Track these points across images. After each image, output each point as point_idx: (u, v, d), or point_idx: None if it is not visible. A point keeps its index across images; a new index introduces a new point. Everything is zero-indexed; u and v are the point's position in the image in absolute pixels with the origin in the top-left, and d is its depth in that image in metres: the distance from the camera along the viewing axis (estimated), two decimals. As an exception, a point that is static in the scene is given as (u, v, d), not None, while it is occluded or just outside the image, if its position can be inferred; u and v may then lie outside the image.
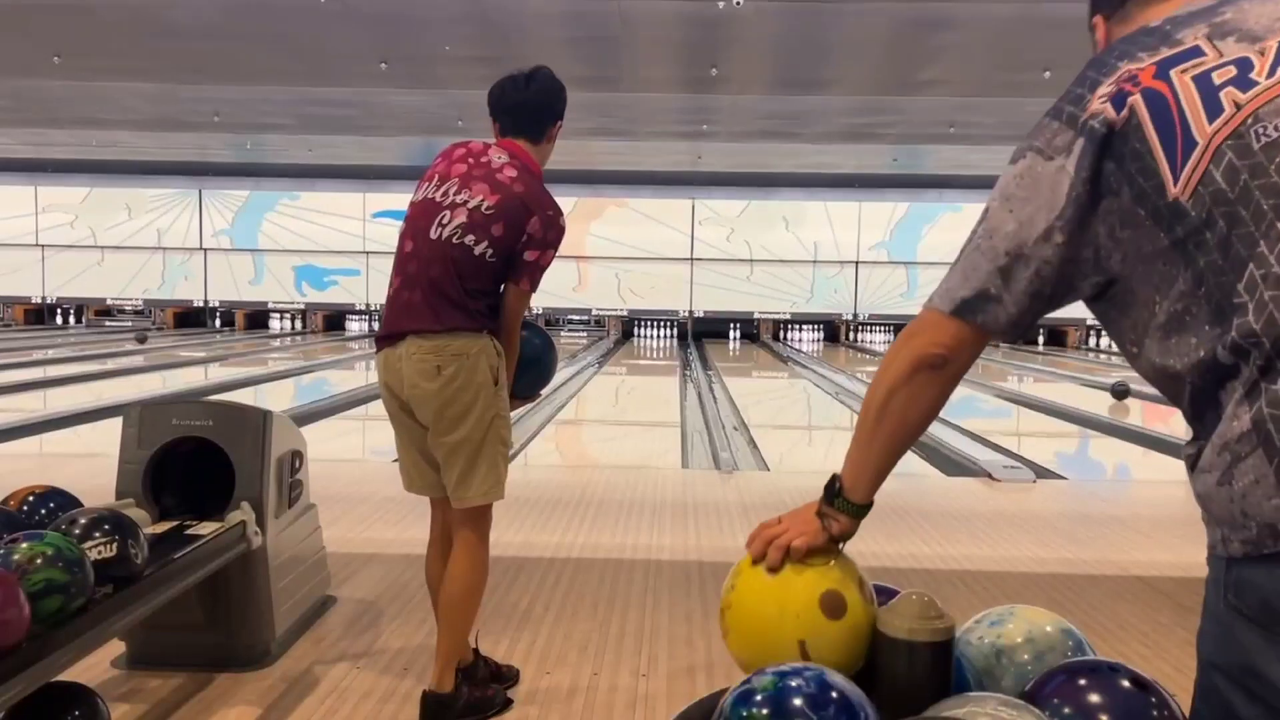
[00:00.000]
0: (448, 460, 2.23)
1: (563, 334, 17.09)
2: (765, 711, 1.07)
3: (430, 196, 2.24)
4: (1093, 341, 17.47)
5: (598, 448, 6.51)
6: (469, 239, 2.17)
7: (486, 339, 2.19)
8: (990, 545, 3.93)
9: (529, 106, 2.30)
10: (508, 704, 2.37)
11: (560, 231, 2.25)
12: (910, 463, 6.30)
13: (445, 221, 2.19)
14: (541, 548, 3.71)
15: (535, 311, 16.95)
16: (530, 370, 2.38)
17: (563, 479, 5.20)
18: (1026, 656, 1.29)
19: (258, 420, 2.59)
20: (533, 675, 2.54)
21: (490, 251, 2.17)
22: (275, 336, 17.02)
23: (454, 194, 2.21)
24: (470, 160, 2.25)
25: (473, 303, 2.18)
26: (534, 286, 2.25)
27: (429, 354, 2.16)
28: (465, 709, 2.27)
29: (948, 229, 16.84)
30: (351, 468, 5.30)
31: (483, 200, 2.19)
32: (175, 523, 2.48)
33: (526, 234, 2.19)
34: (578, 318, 17.97)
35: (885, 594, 1.42)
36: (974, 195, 16.73)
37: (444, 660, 2.25)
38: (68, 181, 17.20)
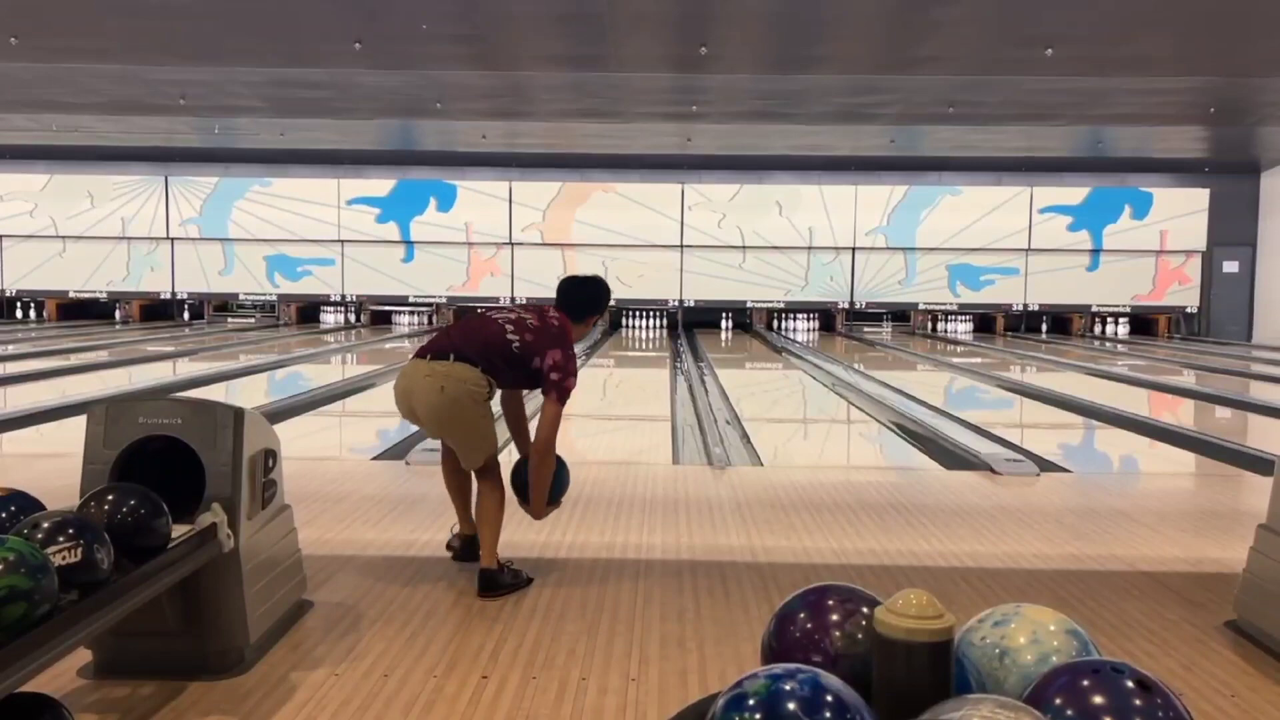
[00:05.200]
0: (453, 444, 3.24)
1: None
2: (758, 716, 1.06)
3: (500, 321, 3.22)
4: (1097, 329, 17.25)
5: (585, 443, 6.39)
6: (509, 331, 3.17)
7: (479, 373, 3.11)
8: (992, 541, 3.88)
9: (578, 301, 3.31)
10: (529, 581, 3.20)
11: (574, 373, 3.17)
12: (909, 456, 6.29)
13: (506, 327, 3.19)
14: (528, 547, 3.63)
15: (521, 300, 16.78)
16: (556, 484, 3.33)
17: (548, 474, 5.07)
18: (1030, 658, 1.26)
19: (229, 418, 2.52)
20: (519, 680, 2.47)
21: (517, 342, 3.14)
22: (243, 330, 16.71)
23: (514, 318, 3.23)
24: (534, 312, 3.27)
25: (481, 361, 3.11)
26: (562, 403, 3.13)
27: (438, 377, 3.09)
28: (509, 586, 3.12)
29: (947, 213, 16.64)
30: (328, 466, 5.20)
31: (530, 319, 3.22)
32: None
33: (550, 358, 3.12)
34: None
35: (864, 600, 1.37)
36: (974, 178, 16.65)
37: (488, 548, 3.12)
38: (26, 168, 16.81)
